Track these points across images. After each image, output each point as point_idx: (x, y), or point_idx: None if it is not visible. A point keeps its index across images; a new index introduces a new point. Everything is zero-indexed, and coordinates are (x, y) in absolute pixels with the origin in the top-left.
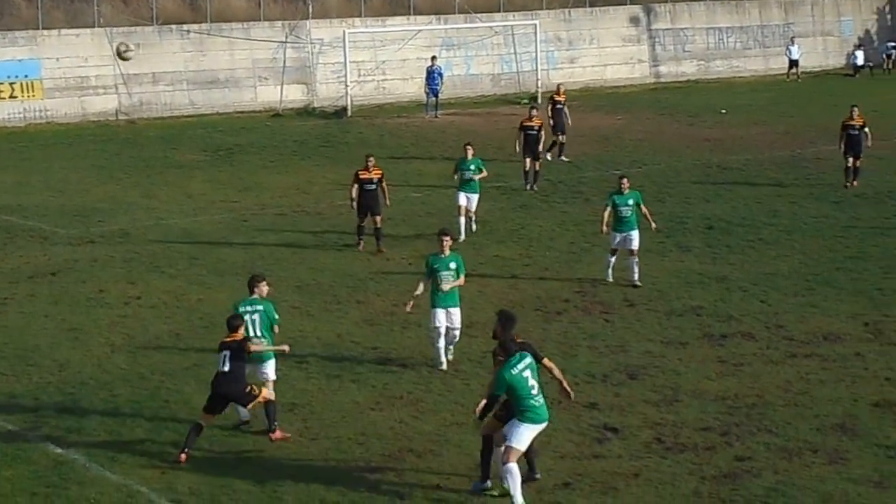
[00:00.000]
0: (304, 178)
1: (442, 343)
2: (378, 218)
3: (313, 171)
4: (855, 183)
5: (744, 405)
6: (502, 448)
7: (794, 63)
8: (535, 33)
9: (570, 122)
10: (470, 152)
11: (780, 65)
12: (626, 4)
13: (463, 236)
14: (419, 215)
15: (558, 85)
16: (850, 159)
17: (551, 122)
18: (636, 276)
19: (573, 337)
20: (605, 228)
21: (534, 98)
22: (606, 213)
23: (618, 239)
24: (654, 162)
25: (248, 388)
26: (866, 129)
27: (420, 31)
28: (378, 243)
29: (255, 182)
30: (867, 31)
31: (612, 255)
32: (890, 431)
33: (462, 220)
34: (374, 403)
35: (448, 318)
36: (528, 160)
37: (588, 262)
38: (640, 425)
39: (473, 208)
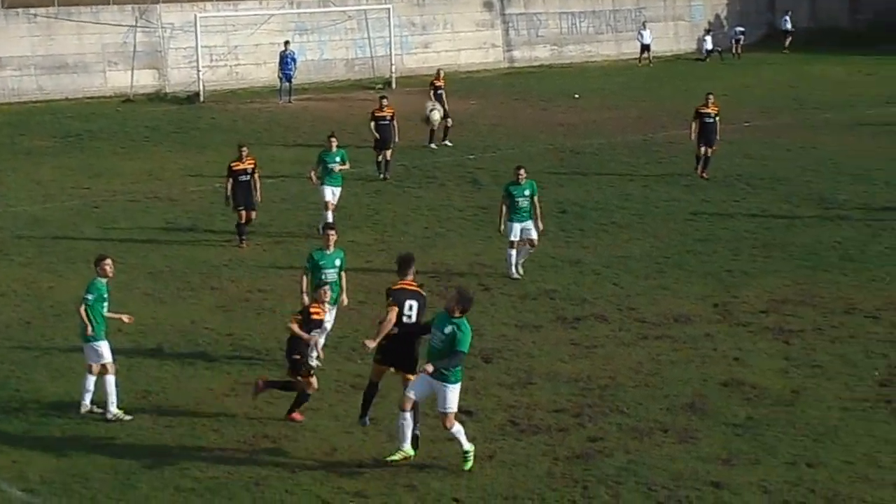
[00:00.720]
0: (156, 164)
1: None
2: (253, 213)
3: (165, 157)
4: (705, 175)
5: (596, 387)
6: (444, 416)
7: (645, 48)
8: (389, 18)
9: (446, 106)
10: (334, 143)
11: (632, 49)
12: None
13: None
14: (273, 201)
15: (438, 70)
16: (703, 148)
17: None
18: (521, 267)
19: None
20: (503, 226)
21: (388, 83)
22: (504, 208)
23: (516, 230)
24: (508, 147)
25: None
26: (717, 118)
27: (273, 15)
28: (242, 238)
29: (105, 168)
30: (717, 16)
31: (512, 247)
32: (737, 410)
33: (330, 214)
34: (228, 390)
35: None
36: (378, 150)
37: (442, 246)
38: (494, 408)
39: (336, 201)
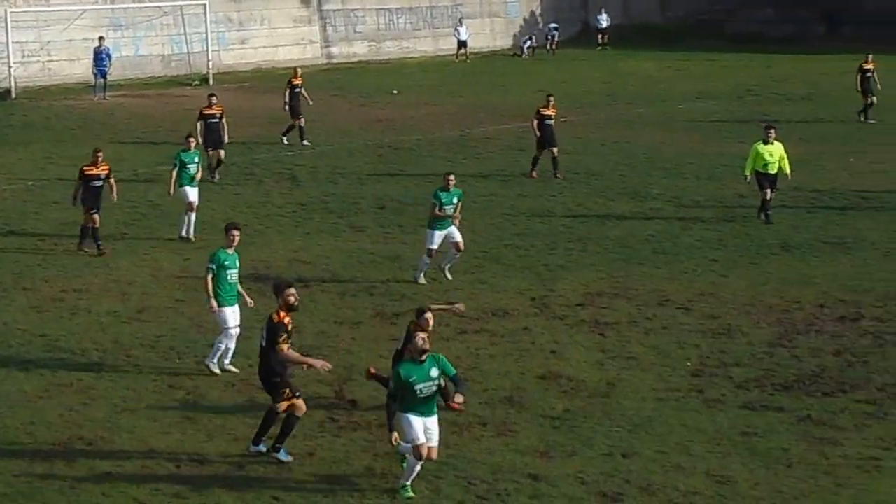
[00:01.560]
0: None
1: (233, 345)
2: (97, 217)
3: None
4: (558, 175)
5: None
6: (414, 448)
7: (462, 44)
8: (205, 14)
9: (310, 102)
10: (192, 143)
11: (449, 45)
12: None
13: (193, 234)
14: None
15: (295, 68)
16: (546, 149)
17: (289, 106)
18: (448, 272)
19: (246, 319)
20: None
21: (205, 80)
22: (439, 212)
23: (437, 239)
24: (326, 143)
25: None
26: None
27: (86, 10)
28: (98, 245)
29: None
30: (532, 13)
31: (430, 256)
32: (555, 402)
33: (193, 216)
34: (42, 391)
35: (235, 318)
36: (209, 151)
37: (261, 244)
38: (313, 406)
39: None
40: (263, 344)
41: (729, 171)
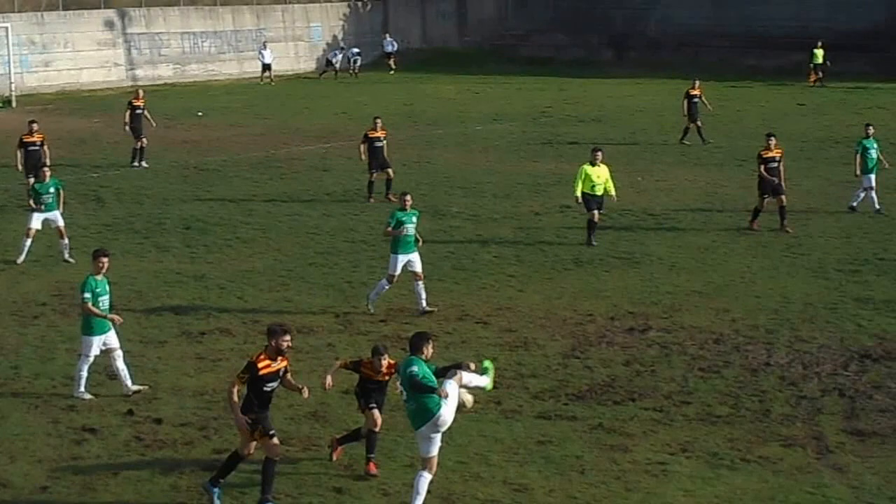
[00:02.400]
0: None
1: (122, 365)
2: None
3: None
4: (390, 196)
5: (221, 399)
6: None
7: (267, 67)
8: (7, 36)
9: (153, 124)
10: (48, 174)
11: (254, 68)
12: (100, 8)
13: (23, 258)
14: None
15: (138, 89)
16: (376, 172)
17: (130, 127)
18: (424, 301)
19: (51, 340)
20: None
21: (7, 102)
22: (395, 232)
23: (399, 264)
24: (131, 164)
25: None
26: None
27: None
28: None
29: None
30: (335, 38)
31: (389, 282)
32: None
33: (29, 241)
34: None
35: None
36: (29, 178)
37: (66, 265)
38: (119, 424)
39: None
40: None
41: (525, 189)
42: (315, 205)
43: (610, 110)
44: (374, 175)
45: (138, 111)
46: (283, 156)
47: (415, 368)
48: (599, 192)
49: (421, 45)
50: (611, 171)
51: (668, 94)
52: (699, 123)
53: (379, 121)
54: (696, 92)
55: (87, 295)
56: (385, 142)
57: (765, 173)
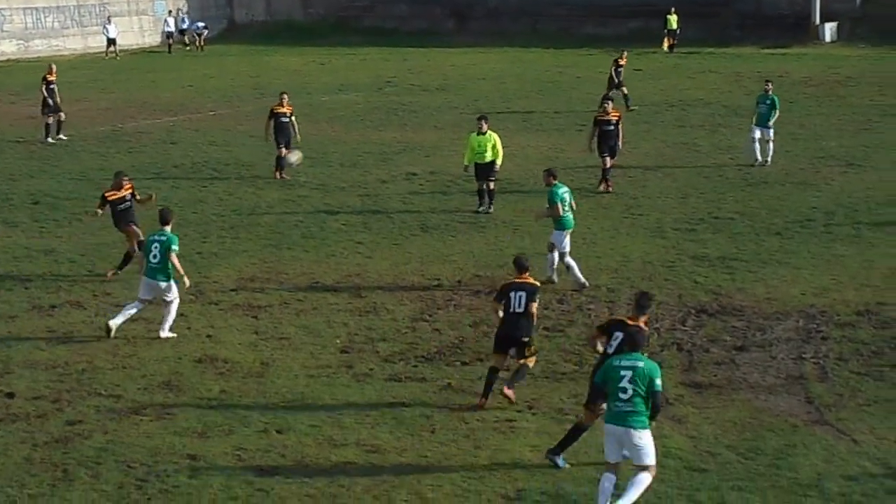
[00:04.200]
0: None
1: None
2: None
3: None
4: (283, 176)
5: (74, 371)
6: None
7: (111, 41)
8: None
9: (58, 99)
10: None
11: (98, 43)
12: None
13: None
14: None
15: (50, 65)
16: (283, 149)
17: (50, 101)
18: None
19: None
20: None
21: None
22: (561, 210)
23: (567, 237)
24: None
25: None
26: (294, 118)
27: None
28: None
29: None
30: (179, 11)
31: (562, 259)
32: (211, 384)
33: None
34: None
35: None
36: None
37: None
38: None
39: None
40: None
41: (371, 158)
42: (164, 178)
43: (453, 79)
44: (284, 151)
45: (52, 86)
46: (130, 130)
47: (659, 382)
48: (488, 159)
49: (265, 18)
50: (500, 137)
51: (510, 63)
52: (624, 90)
53: (286, 96)
54: (623, 62)
55: None
56: (293, 117)
57: (597, 136)
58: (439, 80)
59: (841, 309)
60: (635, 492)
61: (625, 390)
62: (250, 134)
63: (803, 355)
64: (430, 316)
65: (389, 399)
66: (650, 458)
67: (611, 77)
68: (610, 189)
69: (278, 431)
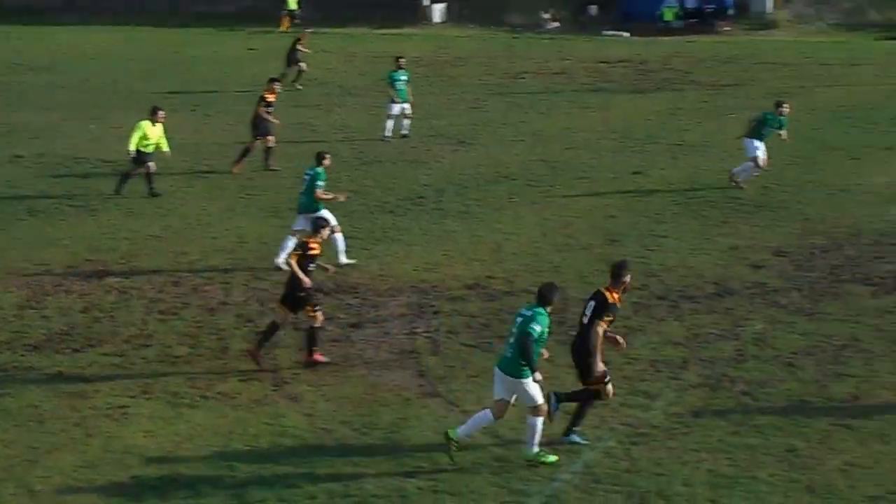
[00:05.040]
0: None
1: None
2: None
3: None
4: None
5: None
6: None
7: None
8: None
9: None
10: None
11: None
12: None
13: None
14: None
15: None
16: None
17: None
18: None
19: None
20: None
21: None
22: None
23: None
24: None
25: None
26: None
27: None
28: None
29: None
30: None
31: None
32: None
33: None
34: None
35: None
36: None
37: None
38: None
39: None
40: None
41: None
42: None
43: (60, 59)
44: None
45: None
46: None
47: (536, 328)
48: (152, 149)
49: None
50: (135, 126)
51: (121, 43)
52: (301, 66)
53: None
54: (303, 42)
55: None
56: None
57: (267, 115)
58: (46, 60)
59: (452, 283)
60: (531, 435)
61: (511, 334)
62: None
63: (416, 330)
64: (38, 303)
65: None
66: (533, 401)
67: (289, 55)
68: (273, 168)
69: None
